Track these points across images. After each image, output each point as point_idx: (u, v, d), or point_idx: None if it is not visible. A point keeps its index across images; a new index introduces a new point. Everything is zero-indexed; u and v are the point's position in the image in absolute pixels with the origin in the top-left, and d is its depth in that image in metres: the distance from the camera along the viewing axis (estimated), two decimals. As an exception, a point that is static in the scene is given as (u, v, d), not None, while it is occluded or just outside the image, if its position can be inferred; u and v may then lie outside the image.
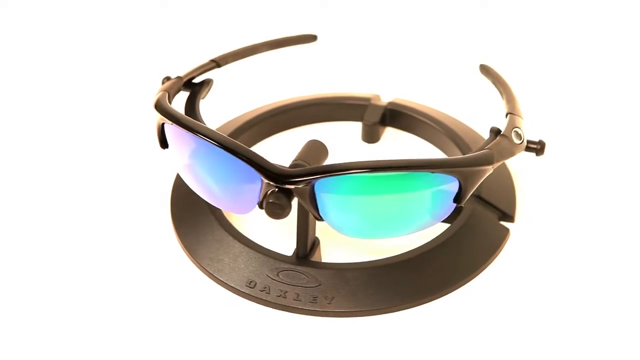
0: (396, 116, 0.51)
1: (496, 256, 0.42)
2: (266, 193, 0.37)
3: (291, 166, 0.38)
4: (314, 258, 0.41)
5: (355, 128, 0.52)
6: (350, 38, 0.64)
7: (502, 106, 0.43)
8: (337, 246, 0.43)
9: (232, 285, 0.41)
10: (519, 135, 0.40)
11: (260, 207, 0.38)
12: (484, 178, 0.38)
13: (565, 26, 0.64)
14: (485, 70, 0.49)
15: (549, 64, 0.60)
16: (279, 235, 0.44)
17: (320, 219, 0.38)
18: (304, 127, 0.52)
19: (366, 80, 0.58)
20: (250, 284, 0.40)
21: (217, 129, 0.50)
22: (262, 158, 0.36)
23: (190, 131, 0.38)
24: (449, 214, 0.38)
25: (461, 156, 0.37)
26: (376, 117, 0.50)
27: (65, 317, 0.40)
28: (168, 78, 0.46)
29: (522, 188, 0.47)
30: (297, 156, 0.39)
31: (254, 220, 0.45)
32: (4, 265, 0.42)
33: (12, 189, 0.48)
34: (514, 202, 0.45)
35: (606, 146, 0.50)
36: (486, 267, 0.42)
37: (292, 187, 0.36)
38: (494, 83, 0.47)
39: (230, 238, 0.42)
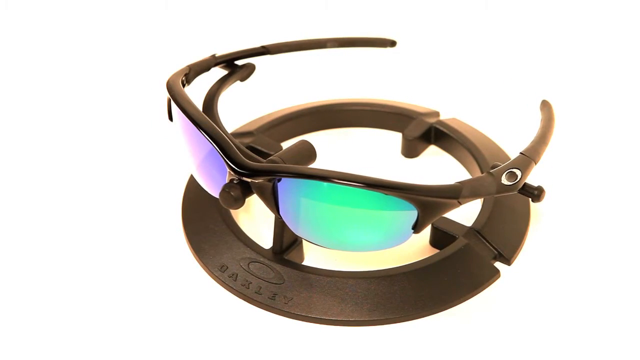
0: (440, 135, 0.50)
1: (475, 294, 0.41)
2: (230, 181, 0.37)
3: (267, 161, 0.39)
4: (293, 256, 0.42)
5: (394, 138, 0.51)
6: (440, 49, 0.63)
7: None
8: (331, 250, 0.43)
9: (208, 266, 0.42)
10: (513, 177, 0.38)
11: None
12: (448, 211, 0.36)
13: None
14: (543, 105, 0.47)
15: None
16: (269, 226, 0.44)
17: (279, 216, 0.38)
18: (351, 128, 0.52)
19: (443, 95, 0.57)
20: (222, 268, 0.41)
21: (261, 117, 0.52)
22: (232, 147, 0.37)
23: (179, 107, 0.39)
24: (406, 239, 0.37)
25: (422, 184, 0.36)
26: (417, 133, 0.49)
27: (70, 297, 0.41)
28: (214, 56, 0.47)
29: (538, 235, 0.44)
30: (279, 152, 0.40)
31: (259, 214, 0.46)
32: (11, 263, 0.43)
33: (22, 187, 0.49)
34: (519, 245, 0.43)
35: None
36: (459, 303, 0.40)
37: (249, 180, 0.36)
38: (541, 120, 0.45)
39: (223, 225, 0.43)
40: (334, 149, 0.40)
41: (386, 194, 0.35)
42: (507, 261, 0.42)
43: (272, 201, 0.37)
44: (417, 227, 0.36)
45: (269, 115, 0.52)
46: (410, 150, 0.50)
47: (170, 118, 0.42)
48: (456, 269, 0.41)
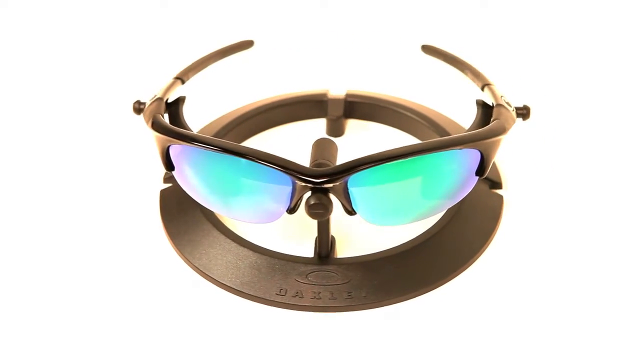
0: (357, 107, 0.52)
1: (499, 223, 0.44)
2: (300, 197, 0.37)
3: (317, 166, 0.39)
4: (336, 255, 0.42)
5: (316, 125, 0.52)
6: (270, 40, 0.64)
7: (465, 80, 0.45)
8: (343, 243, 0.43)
9: (261, 296, 0.40)
10: (508, 103, 0.42)
11: (291, 212, 0.38)
12: (499, 148, 0.39)
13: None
14: (430, 50, 0.50)
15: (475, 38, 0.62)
16: (275, 237, 0.43)
17: (354, 213, 0.38)
18: (268, 131, 0.52)
19: (300, 78, 0.58)
20: (280, 291, 0.40)
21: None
22: (294, 163, 0.36)
23: (212, 148, 0.37)
24: (472, 187, 0.39)
25: (480, 129, 0.38)
26: (340, 111, 0.51)
27: (55, 321, 0.39)
28: (139, 102, 0.45)
29: (504, 159, 0.48)
30: (314, 156, 0.40)
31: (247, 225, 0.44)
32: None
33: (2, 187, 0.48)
34: (498, 170, 0.47)
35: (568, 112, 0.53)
36: (495, 233, 0.43)
37: (331, 185, 0.36)
38: (446, 61, 0.49)
39: (250, 252, 0.41)
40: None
41: (460, 149, 0.37)
42: (500, 186, 0.46)
43: (346, 198, 0.37)
44: (483, 171, 0.38)
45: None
46: (337, 129, 0.51)
47: (170, 168, 0.40)
48: (475, 209, 0.43)
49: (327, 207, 0.36)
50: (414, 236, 0.42)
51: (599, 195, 0.46)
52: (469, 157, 0.38)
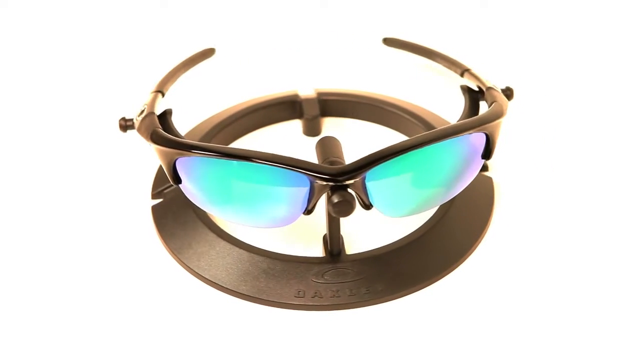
0: (331, 105, 0.52)
1: (494, 201, 0.45)
2: (319, 197, 0.37)
3: (329, 164, 0.39)
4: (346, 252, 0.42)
5: (291, 126, 0.52)
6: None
7: (432, 68, 0.46)
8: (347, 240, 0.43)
9: (280, 300, 0.40)
10: (495, 85, 0.43)
11: (309, 213, 0.38)
12: (500, 129, 0.40)
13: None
14: (393, 42, 0.51)
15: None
16: (274, 239, 0.43)
17: (370, 207, 0.38)
18: (244, 138, 0.52)
19: (258, 82, 0.58)
20: (299, 293, 0.40)
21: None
22: (314, 163, 0.36)
23: (230, 157, 0.37)
24: (478, 171, 0.40)
25: (485, 113, 0.39)
26: (316, 110, 0.51)
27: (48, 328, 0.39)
28: (125, 119, 0.44)
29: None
30: (323, 155, 0.40)
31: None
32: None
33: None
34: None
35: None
36: (493, 211, 0.44)
37: (351, 182, 0.36)
38: (414, 51, 0.50)
39: (257, 256, 0.41)
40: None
41: (470, 133, 0.38)
42: (487, 168, 0.47)
43: (365, 193, 0.37)
44: (489, 153, 0.39)
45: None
46: (314, 128, 0.51)
47: (177, 181, 0.39)
48: (472, 190, 0.44)
49: (351, 204, 0.36)
50: (416, 226, 0.42)
51: (587, 176, 0.47)
52: (476, 141, 0.39)
